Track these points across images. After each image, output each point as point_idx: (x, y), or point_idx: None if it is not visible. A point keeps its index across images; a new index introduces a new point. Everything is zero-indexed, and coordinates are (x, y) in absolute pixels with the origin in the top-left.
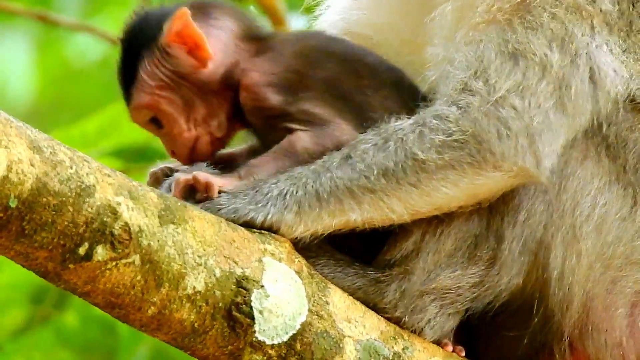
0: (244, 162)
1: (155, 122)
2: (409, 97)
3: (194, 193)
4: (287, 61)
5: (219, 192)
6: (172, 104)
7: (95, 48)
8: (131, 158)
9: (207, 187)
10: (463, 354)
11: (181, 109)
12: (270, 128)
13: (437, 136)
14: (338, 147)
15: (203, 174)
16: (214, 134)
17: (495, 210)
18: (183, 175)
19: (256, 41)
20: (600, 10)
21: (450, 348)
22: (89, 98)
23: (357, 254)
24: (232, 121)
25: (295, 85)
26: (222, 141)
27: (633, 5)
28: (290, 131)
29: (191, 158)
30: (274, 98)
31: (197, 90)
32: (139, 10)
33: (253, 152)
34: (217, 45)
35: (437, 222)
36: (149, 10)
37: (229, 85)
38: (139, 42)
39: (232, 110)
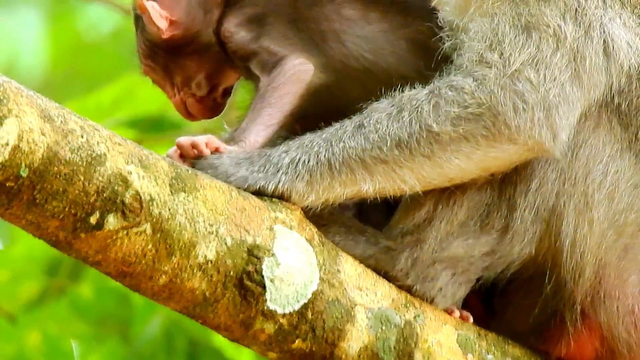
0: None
1: None
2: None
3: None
4: (255, 1)
5: (215, 150)
6: (155, 71)
7: (107, 20)
8: (146, 128)
9: (193, 145)
10: (471, 320)
11: (162, 75)
12: (249, 75)
13: (453, 108)
14: (294, 83)
15: (184, 137)
16: (196, 95)
17: (507, 179)
18: (170, 149)
19: None
20: None
21: (457, 314)
22: (102, 70)
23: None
24: (215, 77)
25: (259, 19)
26: (210, 98)
27: None
28: (258, 79)
29: (192, 119)
30: (243, 36)
31: (171, 55)
32: None
33: None
34: (181, 9)
35: (450, 191)
36: None
37: (208, 43)
38: (135, 12)
39: (215, 67)
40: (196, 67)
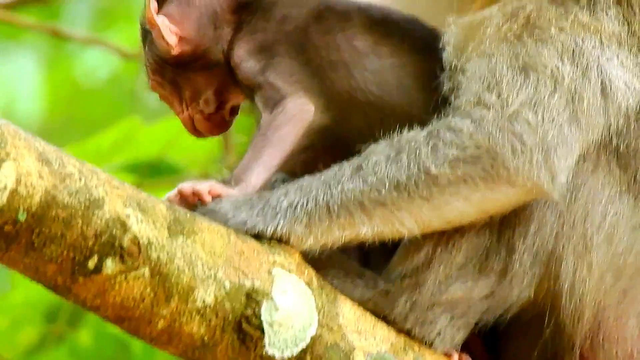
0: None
1: None
2: (388, 35)
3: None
4: (265, 26)
5: (217, 197)
6: (163, 86)
7: (104, 65)
8: (144, 173)
9: (195, 193)
10: None
11: (170, 90)
12: (253, 100)
13: (451, 150)
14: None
15: (186, 184)
16: (204, 112)
17: (506, 222)
18: (170, 192)
19: (245, 8)
20: (608, 28)
21: (456, 357)
22: (99, 115)
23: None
24: (223, 94)
25: (269, 48)
26: (218, 115)
27: None
28: (260, 112)
29: (199, 135)
30: (251, 65)
31: (180, 71)
32: None
33: None
34: (191, 25)
35: (449, 234)
36: None
37: (217, 60)
38: (143, 27)
39: (224, 84)
40: (204, 84)
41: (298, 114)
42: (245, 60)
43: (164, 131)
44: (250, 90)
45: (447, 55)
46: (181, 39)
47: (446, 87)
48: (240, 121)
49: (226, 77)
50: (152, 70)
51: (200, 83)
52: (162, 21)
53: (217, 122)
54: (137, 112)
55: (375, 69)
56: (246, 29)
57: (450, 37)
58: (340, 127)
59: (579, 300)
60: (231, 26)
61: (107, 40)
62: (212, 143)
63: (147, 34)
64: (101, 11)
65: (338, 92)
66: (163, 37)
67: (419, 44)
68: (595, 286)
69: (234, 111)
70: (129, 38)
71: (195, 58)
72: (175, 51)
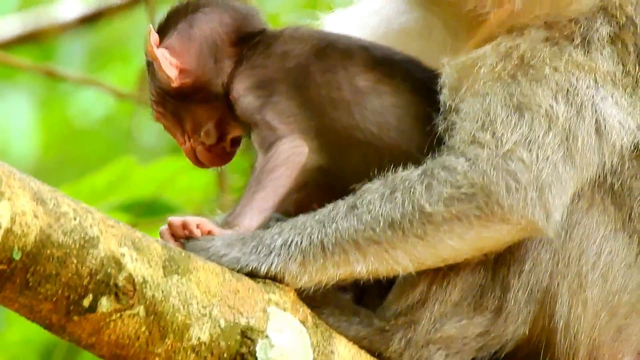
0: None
1: None
2: (390, 75)
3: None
4: (266, 62)
5: (207, 233)
6: (166, 118)
7: (99, 105)
8: (139, 212)
9: (184, 226)
10: None
11: (172, 121)
12: (250, 138)
13: (445, 188)
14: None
15: (176, 217)
16: (205, 143)
17: (501, 260)
18: (163, 226)
19: (246, 42)
20: (602, 68)
21: None
22: (93, 155)
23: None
24: (224, 126)
25: (268, 85)
26: (219, 147)
27: (638, 65)
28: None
29: (201, 166)
30: (249, 102)
31: (181, 103)
32: None
33: None
34: (191, 57)
35: (444, 272)
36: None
37: (217, 93)
38: (147, 59)
39: (224, 116)
40: (206, 116)
41: (292, 156)
42: (244, 96)
43: (159, 171)
44: (247, 126)
45: (443, 97)
46: (182, 71)
47: (441, 127)
48: (235, 162)
49: (226, 109)
50: (155, 101)
51: (201, 115)
52: (162, 54)
53: (219, 154)
54: (132, 152)
55: (376, 108)
56: (247, 63)
57: (445, 79)
58: (336, 166)
59: (574, 337)
60: (232, 59)
61: (101, 81)
62: (207, 183)
63: (151, 66)
64: (95, 51)
65: (337, 130)
66: (163, 70)
67: (419, 85)
68: (590, 324)
69: (236, 142)
70: (123, 78)
71: (195, 90)
72: (176, 83)
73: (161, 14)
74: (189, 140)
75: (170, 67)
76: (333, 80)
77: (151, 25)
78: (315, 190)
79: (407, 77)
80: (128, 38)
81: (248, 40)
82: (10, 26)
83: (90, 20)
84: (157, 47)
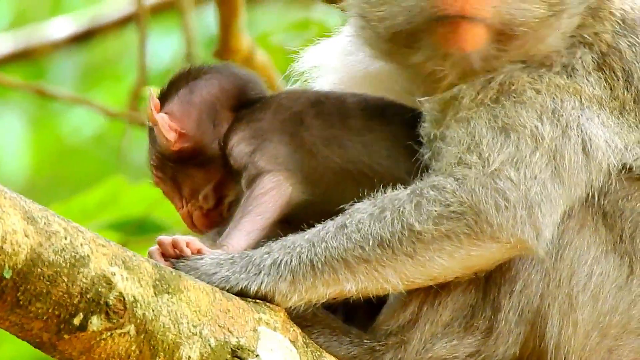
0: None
1: None
2: (380, 114)
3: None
4: (260, 116)
5: (196, 252)
6: (165, 182)
7: (89, 124)
8: (130, 231)
9: (174, 244)
10: None
11: (171, 186)
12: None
13: (434, 207)
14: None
15: (165, 236)
16: (203, 208)
17: (491, 280)
18: (152, 247)
19: (245, 106)
20: (588, 91)
21: None
22: (84, 174)
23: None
24: (222, 189)
25: (261, 134)
26: (216, 212)
27: (627, 90)
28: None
29: (196, 231)
30: (241, 149)
31: (180, 167)
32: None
33: None
34: (191, 122)
35: (435, 292)
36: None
37: (214, 154)
38: (148, 124)
39: (222, 179)
40: (203, 179)
41: (275, 187)
42: (237, 145)
43: (149, 190)
44: (238, 175)
45: (427, 129)
46: (181, 136)
47: (427, 156)
48: None
49: (224, 172)
50: (155, 166)
51: (199, 179)
52: (162, 119)
53: (215, 219)
54: (122, 171)
55: (367, 140)
56: (243, 120)
57: (427, 114)
58: (327, 199)
59: (565, 358)
60: (228, 121)
61: (92, 100)
62: None
63: (151, 131)
64: (86, 70)
65: (330, 167)
66: (163, 134)
67: (405, 121)
68: (581, 345)
69: (232, 206)
70: (114, 97)
71: (195, 154)
72: (175, 147)
73: (152, 34)
74: (187, 205)
75: (169, 131)
76: (326, 121)
77: (152, 91)
78: (307, 218)
79: (395, 115)
80: (119, 57)
81: (247, 106)
82: (2, 44)
83: (81, 39)
84: (158, 112)
